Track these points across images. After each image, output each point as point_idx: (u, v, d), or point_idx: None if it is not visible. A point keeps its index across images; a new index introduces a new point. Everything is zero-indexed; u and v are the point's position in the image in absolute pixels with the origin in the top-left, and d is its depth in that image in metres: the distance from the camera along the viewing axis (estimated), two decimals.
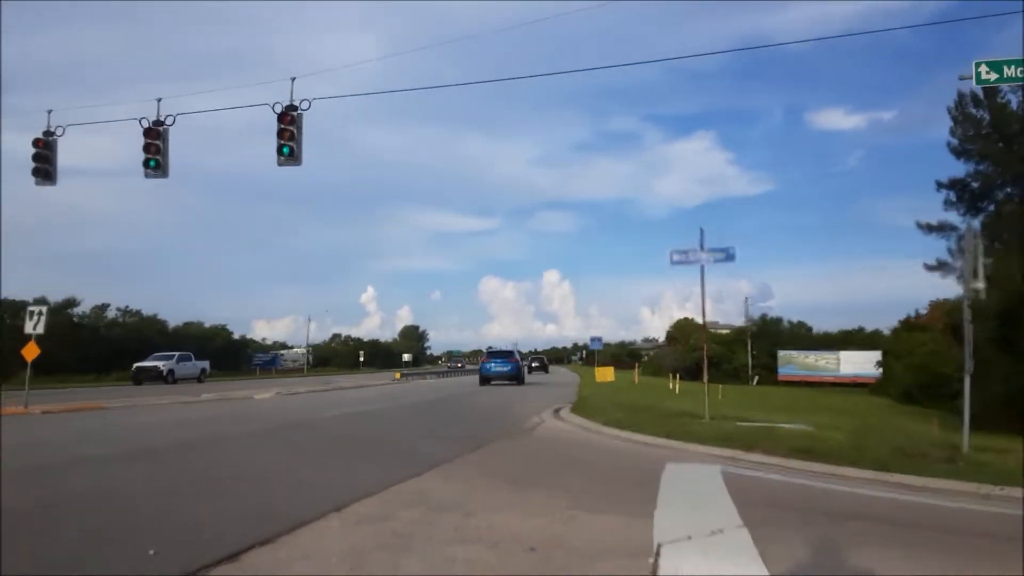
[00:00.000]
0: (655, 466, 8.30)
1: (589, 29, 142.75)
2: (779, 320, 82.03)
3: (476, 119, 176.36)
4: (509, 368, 34.32)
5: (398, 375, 44.03)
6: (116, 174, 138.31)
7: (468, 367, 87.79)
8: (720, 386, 33.08)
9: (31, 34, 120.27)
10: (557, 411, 16.53)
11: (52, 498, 6.22)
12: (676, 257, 13.80)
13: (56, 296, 58.88)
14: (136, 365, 42.92)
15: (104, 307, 64.32)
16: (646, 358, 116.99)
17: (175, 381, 40.62)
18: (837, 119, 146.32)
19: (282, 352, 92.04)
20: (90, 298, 66.75)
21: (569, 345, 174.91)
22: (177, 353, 45.33)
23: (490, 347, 46.35)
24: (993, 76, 12.17)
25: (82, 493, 6.54)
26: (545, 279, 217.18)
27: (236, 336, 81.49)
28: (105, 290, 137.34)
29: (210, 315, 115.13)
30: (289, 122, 15.58)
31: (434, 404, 19.79)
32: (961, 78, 12.62)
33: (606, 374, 22.61)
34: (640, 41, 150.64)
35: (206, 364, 48.19)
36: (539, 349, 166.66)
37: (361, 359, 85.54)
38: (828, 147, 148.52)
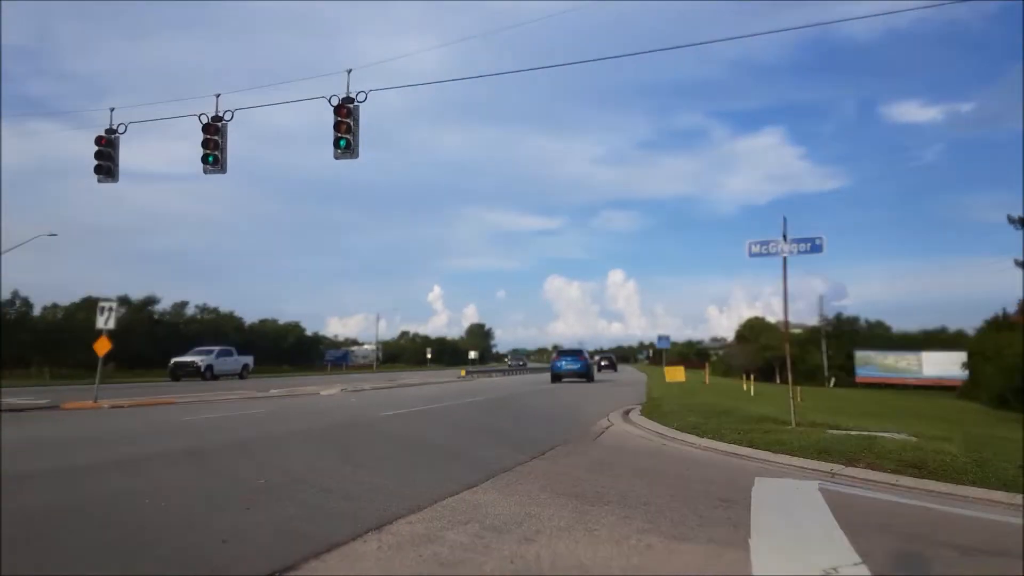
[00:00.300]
0: (742, 480, 7.28)
1: (653, 26, 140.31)
2: (855, 319, 78.47)
3: (540, 118, 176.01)
4: (579, 366, 35.80)
5: (463, 372, 43.56)
6: (193, 178, 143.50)
7: (531, 365, 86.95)
8: (798, 388, 31.35)
9: (102, 39, 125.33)
10: (626, 413, 15.51)
11: (56, 503, 5.67)
12: (755, 248, 12.60)
13: (138, 295, 60.98)
14: (173, 360, 40.51)
15: (183, 304, 66.26)
16: (715, 358, 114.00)
17: (214, 377, 39.36)
18: (912, 111, 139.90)
19: (353, 348, 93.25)
20: (169, 296, 68.90)
21: (635, 344, 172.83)
22: (217, 348, 43.39)
23: (559, 346, 48.73)
24: None
25: (88, 498, 5.99)
26: (610, 278, 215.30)
27: (309, 333, 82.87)
28: (183, 289, 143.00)
29: (286, 313, 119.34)
30: (345, 115, 15.11)
31: (496, 403, 19.01)
32: None
33: (676, 374, 21.42)
34: (705, 37, 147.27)
35: (249, 359, 46.21)
36: (605, 348, 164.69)
37: (428, 356, 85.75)
38: (904, 141, 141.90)
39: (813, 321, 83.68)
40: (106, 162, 16.83)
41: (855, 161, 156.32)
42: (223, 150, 16.60)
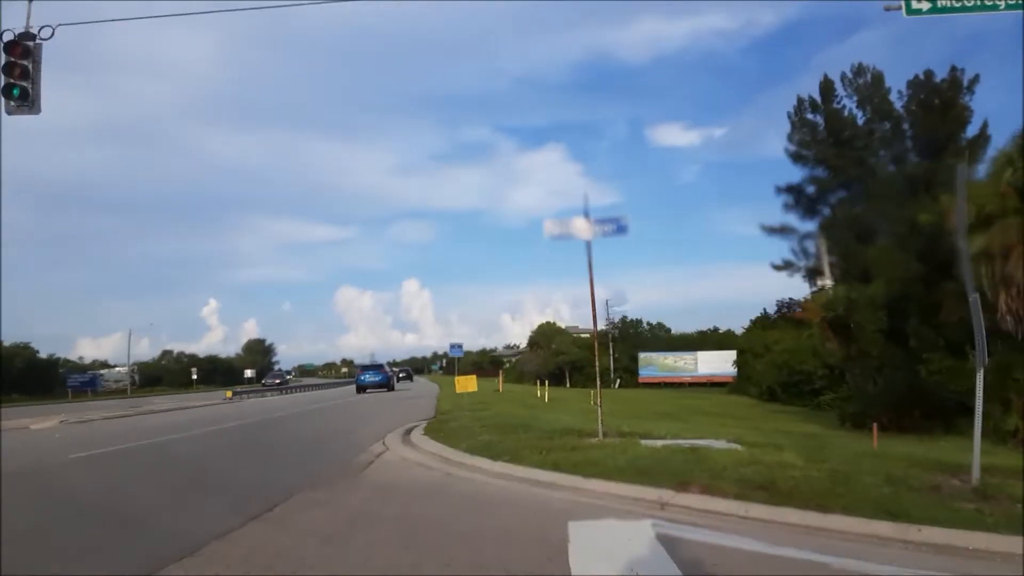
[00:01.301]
0: (552, 527, 5.11)
1: (437, 30, 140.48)
2: (639, 322, 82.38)
3: (330, 125, 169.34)
4: (381, 378, 40.15)
5: (229, 394, 38.61)
6: None
7: (316, 382, 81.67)
8: (590, 391, 30.81)
9: None
10: (408, 433, 13.03)
11: None
12: (553, 228, 10.75)
13: None
14: None
15: None
16: (508, 365, 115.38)
17: None
18: (675, 134, 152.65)
19: (103, 372, 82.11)
20: None
21: (429, 355, 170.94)
22: None
23: (351, 361, 60.73)
24: (925, 5, 10.15)
25: None
26: (404, 288, 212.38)
27: (43, 355, 71.41)
28: None
29: (31, 335, 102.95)
30: (21, 54, 11.07)
31: (251, 431, 15.72)
32: (887, 9, 10.55)
33: (467, 383, 19.31)
34: (488, 49, 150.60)
35: None
36: (398, 359, 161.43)
37: (194, 377, 77.54)
38: (668, 160, 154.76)
39: (601, 325, 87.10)
40: (22, 81, 10.96)
41: (627, 178, 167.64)
42: (37, 81, 11.31)
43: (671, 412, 24.36)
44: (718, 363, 73.77)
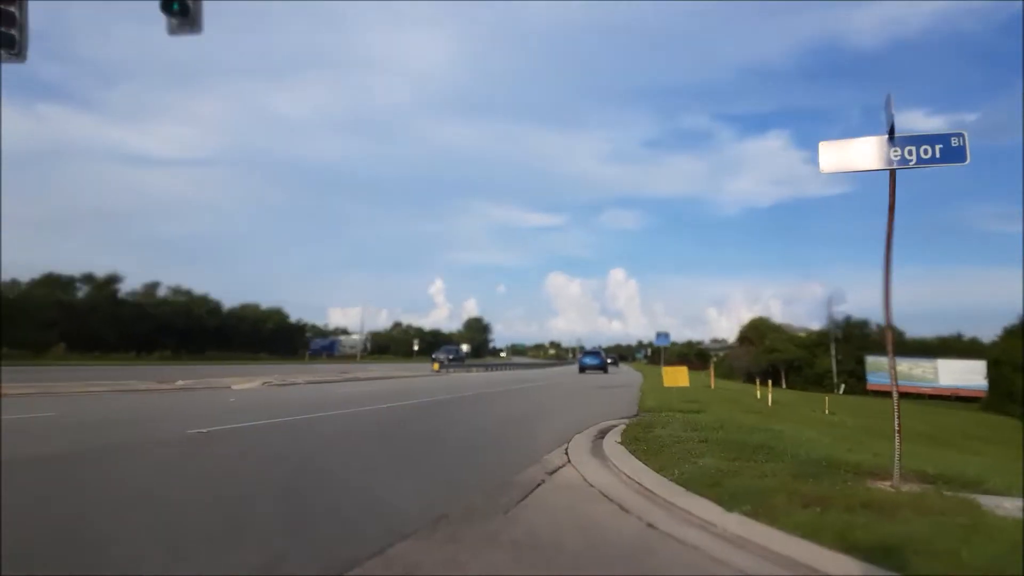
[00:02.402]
0: None
1: (661, 26, 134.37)
2: (865, 323, 72.13)
3: (547, 115, 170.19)
4: (598, 361, 47.85)
5: (436, 366, 37.75)
6: (204, 164, 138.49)
7: (523, 361, 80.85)
8: (813, 395, 25.54)
9: (110, 25, 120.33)
10: (601, 436, 9.75)
11: None
12: (831, 157, 6.78)
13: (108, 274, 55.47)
14: None
15: (155, 285, 60.62)
16: (715, 359, 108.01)
17: None
18: (918, 120, 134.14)
19: (340, 338, 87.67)
20: (169, 281, 63.28)
21: (634, 343, 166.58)
22: None
23: (585, 348, 68.02)
24: None
25: None
26: (611, 276, 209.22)
27: (293, 320, 77.21)
28: (183, 276, 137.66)
29: (288, 303, 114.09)
30: None
31: (427, 410, 13.23)
32: None
33: (677, 376, 15.70)
34: (710, 38, 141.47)
35: None
36: (604, 345, 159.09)
37: (415, 348, 79.99)
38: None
39: (814, 325, 77.80)
40: (7, 28, 11.00)
41: None
42: (23, 29, 11.05)
43: (932, 434, 18.92)
44: (963, 374, 62.75)
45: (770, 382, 32.28)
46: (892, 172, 6.43)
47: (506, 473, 6.63)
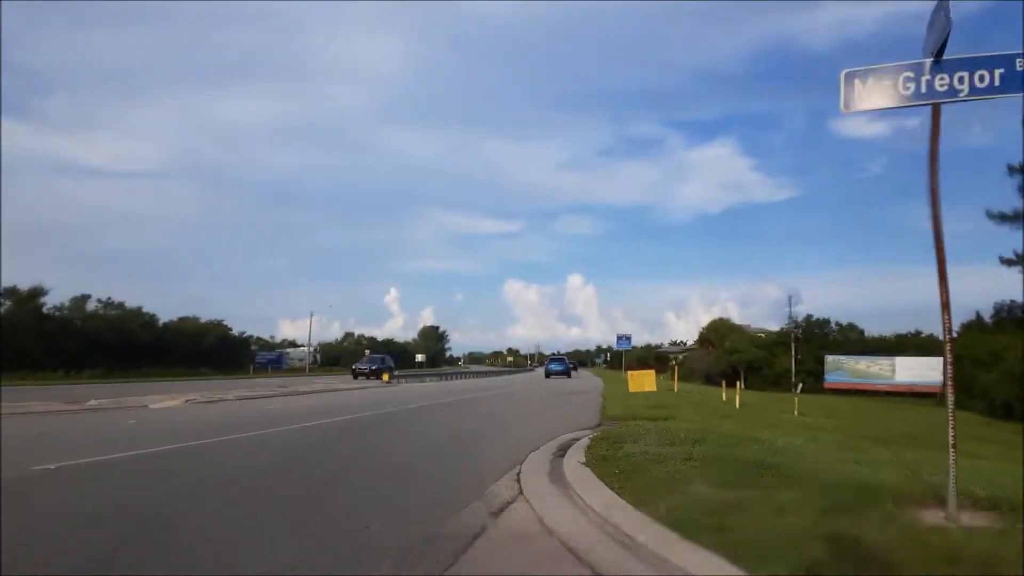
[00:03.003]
0: None
1: (613, 31, 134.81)
2: (826, 322, 72.32)
3: (500, 122, 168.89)
4: (563, 367, 51.68)
5: (385, 377, 35.71)
6: (149, 176, 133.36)
7: (480, 369, 78.74)
8: (794, 397, 24.43)
9: (47, 31, 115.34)
10: (560, 453, 8.12)
11: None
12: (863, 87, 5.19)
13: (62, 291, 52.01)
14: None
15: (84, 298, 57.06)
16: (675, 362, 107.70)
17: None
18: (862, 125, 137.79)
19: (288, 350, 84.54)
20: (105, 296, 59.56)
21: (592, 348, 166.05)
22: None
23: (551, 354, 77.77)
24: None
25: None
26: (569, 282, 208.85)
27: (235, 332, 73.99)
28: (130, 291, 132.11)
29: (236, 315, 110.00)
30: None
31: (351, 429, 11.38)
32: None
33: (643, 380, 14.18)
34: (660, 44, 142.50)
35: None
36: (562, 351, 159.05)
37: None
38: (852, 153, 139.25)
39: (772, 326, 77.95)
40: None
41: (805, 172, 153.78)
42: None
43: (916, 434, 17.79)
44: (921, 371, 63.00)
45: (738, 383, 31.15)
46: (935, 108, 4.91)
47: (436, 516, 4.92)
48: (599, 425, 11.82)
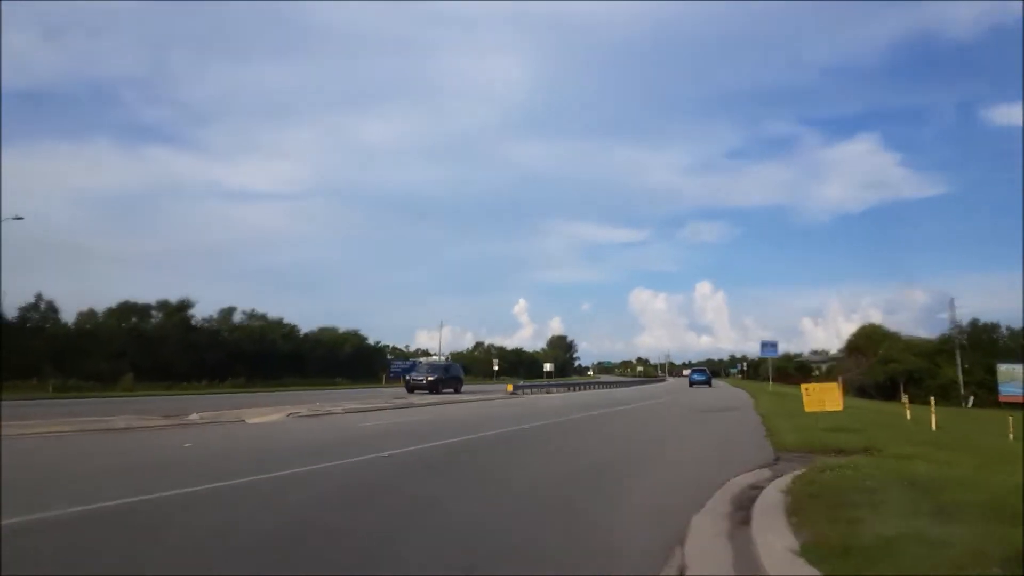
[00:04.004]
0: None
1: (738, 31, 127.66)
2: (995, 327, 62.75)
3: (625, 129, 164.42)
4: (704, 376, 58.23)
5: (509, 387, 33.17)
6: (294, 197, 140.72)
7: (609, 380, 74.99)
8: (1009, 417, 19.53)
9: (206, 66, 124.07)
10: (743, 517, 4.98)
11: None
12: None
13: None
14: None
15: (230, 311, 58.78)
16: (818, 372, 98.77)
17: None
18: (1015, 114, 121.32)
19: (421, 360, 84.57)
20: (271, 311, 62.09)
21: (725, 357, 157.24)
22: None
23: (686, 364, 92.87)
24: None
25: None
26: (697, 290, 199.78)
27: (371, 342, 74.46)
28: (277, 305, 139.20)
29: (377, 328, 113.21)
30: None
31: (451, 459, 8.61)
32: None
33: (824, 396, 10.65)
34: (792, 41, 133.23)
35: None
36: (692, 361, 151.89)
37: (495, 368, 75.69)
38: (1008, 145, 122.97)
39: (923, 333, 68.95)
40: None
41: (956, 167, 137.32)
42: None
43: None
44: None
45: (903, 397, 26.10)
46: None
47: None
48: (777, 461, 8.44)
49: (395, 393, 33.17)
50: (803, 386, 11.79)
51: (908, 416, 18.94)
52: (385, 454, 8.42)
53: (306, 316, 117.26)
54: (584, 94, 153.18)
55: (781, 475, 7.13)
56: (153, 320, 51.67)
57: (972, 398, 58.36)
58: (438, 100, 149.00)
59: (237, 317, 58.96)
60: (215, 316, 57.26)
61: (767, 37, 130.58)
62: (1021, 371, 57.24)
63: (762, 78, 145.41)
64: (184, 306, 52.06)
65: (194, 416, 17.00)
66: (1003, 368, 57.32)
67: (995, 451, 10.84)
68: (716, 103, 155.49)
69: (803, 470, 7.17)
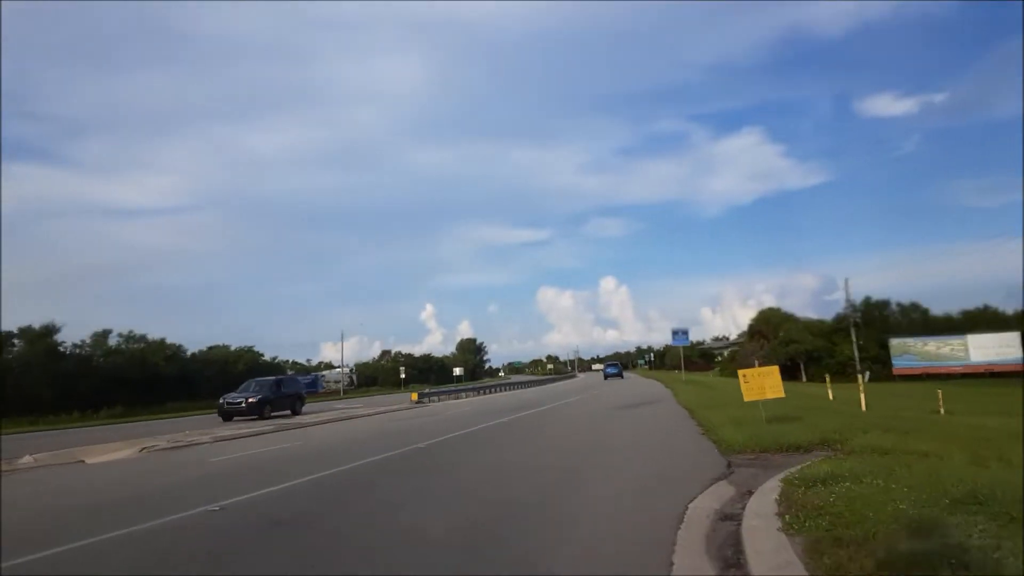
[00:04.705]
0: None
1: (625, 31, 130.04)
2: (886, 304, 65.42)
3: (522, 130, 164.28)
4: (617, 370, 65.77)
5: (414, 396, 30.85)
6: (178, 211, 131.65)
7: (521, 380, 73.93)
8: (938, 391, 18.99)
9: (77, 79, 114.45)
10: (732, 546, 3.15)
11: None
12: None
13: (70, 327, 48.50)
14: None
15: (105, 334, 53.33)
16: (720, 358, 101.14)
17: None
18: (888, 104, 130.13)
19: (324, 373, 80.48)
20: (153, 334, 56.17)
21: (632, 349, 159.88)
22: None
23: (608, 360, 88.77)
24: None
25: None
26: (602, 285, 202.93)
27: (268, 357, 69.89)
28: (171, 326, 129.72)
29: (277, 343, 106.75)
30: None
31: (314, 504, 6.45)
32: None
33: (764, 384, 9.14)
34: (675, 42, 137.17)
35: None
36: (601, 355, 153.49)
37: (403, 376, 72.80)
38: (882, 133, 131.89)
39: (813, 315, 71.39)
40: None
41: (835, 156, 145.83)
42: None
43: None
44: (998, 348, 56.34)
45: (828, 377, 25.68)
46: None
47: None
48: (731, 469, 6.77)
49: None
50: (740, 372, 10.30)
51: (831, 396, 18.10)
52: (216, 507, 6.14)
53: (199, 337, 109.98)
54: (479, 96, 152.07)
55: (749, 492, 5.42)
56: (16, 349, 46.02)
57: (868, 373, 60.42)
58: (328, 106, 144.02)
59: (113, 340, 53.65)
60: (87, 341, 51.86)
61: (652, 37, 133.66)
62: (912, 344, 59.87)
63: (650, 77, 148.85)
64: (48, 331, 46.59)
65: (27, 459, 13.95)
66: (895, 342, 59.76)
67: (959, 433, 9.61)
68: (608, 102, 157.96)
69: (776, 482, 5.48)
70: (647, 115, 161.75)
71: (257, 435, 16.35)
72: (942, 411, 15.26)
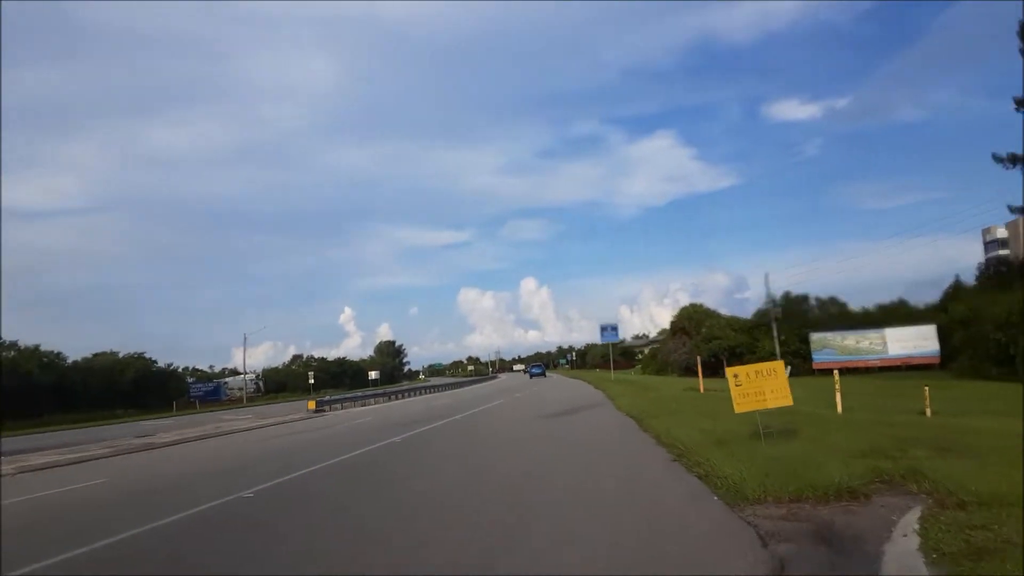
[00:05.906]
0: None
1: (543, 34, 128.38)
2: (804, 298, 65.41)
3: (442, 131, 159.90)
4: (541, 370, 76.41)
5: (311, 405, 26.93)
6: (81, 212, 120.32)
7: (440, 382, 70.56)
8: (925, 389, 16.84)
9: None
10: None
11: None
12: None
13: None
14: None
15: None
16: (641, 356, 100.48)
17: None
18: (794, 109, 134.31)
19: (227, 380, 74.50)
20: (54, 342, 49.20)
21: (553, 349, 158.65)
22: None
23: (530, 360, 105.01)
24: None
25: None
26: (523, 286, 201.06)
27: (162, 364, 63.75)
28: (75, 333, 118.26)
29: (186, 350, 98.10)
30: None
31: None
32: None
33: (766, 387, 6.34)
34: (591, 44, 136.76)
35: None
36: (523, 355, 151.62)
37: (311, 382, 67.94)
38: (789, 137, 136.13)
39: (725, 311, 71.26)
40: None
41: (745, 159, 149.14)
42: None
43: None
44: (914, 341, 56.68)
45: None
46: None
47: None
48: (767, 549, 3.83)
49: (157, 425, 25.78)
50: (730, 370, 7.49)
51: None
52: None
53: (95, 344, 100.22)
54: (397, 96, 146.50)
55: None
56: None
57: (790, 368, 59.80)
58: (239, 103, 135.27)
59: None
60: None
61: (568, 40, 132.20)
62: (831, 339, 59.78)
63: (566, 79, 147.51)
64: None
65: None
66: (815, 337, 59.49)
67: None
68: (526, 104, 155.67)
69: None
70: (565, 117, 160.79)
71: (89, 459, 12.43)
72: (928, 412, 13.04)
